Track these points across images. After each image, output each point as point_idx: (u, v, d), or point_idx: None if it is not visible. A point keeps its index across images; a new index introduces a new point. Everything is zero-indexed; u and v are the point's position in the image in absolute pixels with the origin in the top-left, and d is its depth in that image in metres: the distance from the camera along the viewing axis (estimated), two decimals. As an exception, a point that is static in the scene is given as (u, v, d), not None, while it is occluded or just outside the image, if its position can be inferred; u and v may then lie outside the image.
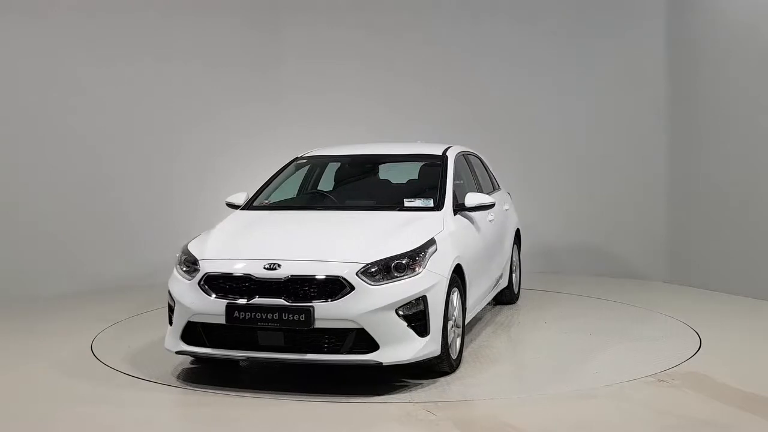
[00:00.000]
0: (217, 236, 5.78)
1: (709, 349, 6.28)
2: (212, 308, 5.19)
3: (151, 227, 9.31)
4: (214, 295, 5.22)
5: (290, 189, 6.96)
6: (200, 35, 9.69)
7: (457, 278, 5.74)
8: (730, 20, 8.48)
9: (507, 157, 9.52)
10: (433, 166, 6.64)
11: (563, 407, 5.00)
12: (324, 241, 5.49)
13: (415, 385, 5.33)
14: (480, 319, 7.30)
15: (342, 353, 5.09)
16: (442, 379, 5.47)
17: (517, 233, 8.17)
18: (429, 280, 5.27)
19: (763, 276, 8.07)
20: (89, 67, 9.08)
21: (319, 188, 7.05)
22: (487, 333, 6.87)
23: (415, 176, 6.90)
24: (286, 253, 5.31)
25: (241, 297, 5.15)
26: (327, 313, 5.03)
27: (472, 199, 6.25)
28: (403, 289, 5.16)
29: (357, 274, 5.11)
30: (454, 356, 5.61)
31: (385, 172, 7.09)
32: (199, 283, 5.30)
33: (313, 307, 5.03)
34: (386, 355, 5.08)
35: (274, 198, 6.71)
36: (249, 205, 6.49)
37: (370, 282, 5.11)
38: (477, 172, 7.43)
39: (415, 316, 5.18)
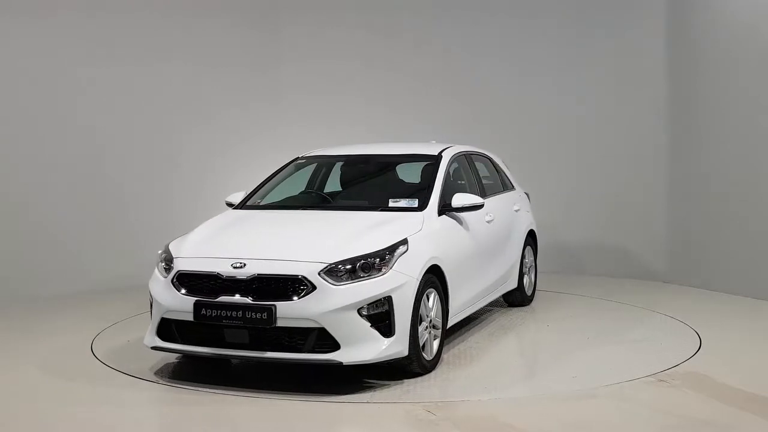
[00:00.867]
0: (195, 235, 5.87)
1: (709, 349, 6.28)
2: (182, 305, 5.29)
3: (151, 227, 9.29)
4: (184, 292, 5.32)
5: (290, 189, 6.95)
6: (200, 35, 9.70)
7: (435, 279, 5.71)
8: (730, 20, 8.48)
9: (506, 157, 9.48)
10: (429, 166, 6.62)
11: (563, 407, 5.00)
12: (294, 241, 5.51)
13: (409, 385, 5.32)
14: (481, 320, 7.30)
15: (304, 352, 5.12)
16: (442, 380, 5.47)
17: (532, 234, 8.09)
18: (395, 281, 5.25)
19: (763, 276, 8.07)
20: (89, 67, 9.08)
21: (323, 189, 7.04)
22: (483, 334, 6.85)
23: (416, 177, 6.86)
24: (254, 252, 5.37)
25: (209, 295, 5.23)
26: (288, 312, 5.07)
27: (458, 199, 6.21)
28: (367, 289, 5.15)
29: (319, 274, 5.12)
30: (429, 357, 5.57)
31: (385, 172, 7.06)
32: (171, 281, 5.41)
33: (275, 305, 5.07)
34: (347, 355, 5.08)
35: (274, 198, 6.71)
36: (242, 205, 6.52)
37: (333, 282, 5.12)
38: (481, 173, 7.40)
39: (380, 317, 5.17)
